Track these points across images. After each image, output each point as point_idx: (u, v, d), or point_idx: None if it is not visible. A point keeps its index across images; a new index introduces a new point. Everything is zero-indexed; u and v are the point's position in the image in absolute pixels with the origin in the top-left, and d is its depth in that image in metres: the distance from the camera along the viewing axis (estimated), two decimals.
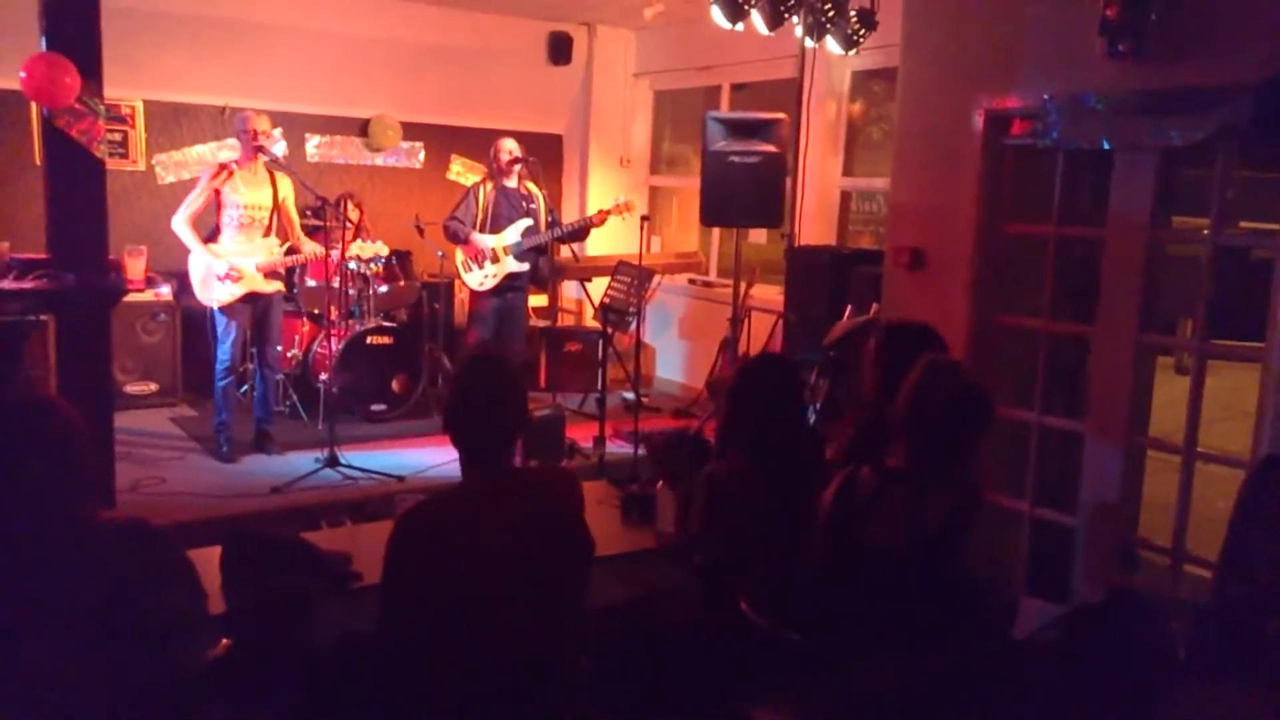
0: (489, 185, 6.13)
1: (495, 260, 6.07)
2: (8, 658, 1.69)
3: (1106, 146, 3.69)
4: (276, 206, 5.42)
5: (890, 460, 2.64)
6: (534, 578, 2.27)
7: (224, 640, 2.00)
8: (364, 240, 6.02)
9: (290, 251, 5.60)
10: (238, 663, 2.16)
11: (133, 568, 1.82)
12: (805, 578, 2.55)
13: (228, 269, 5.24)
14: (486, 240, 6.05)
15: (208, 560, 2.58)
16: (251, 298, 5.38)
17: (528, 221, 6.08)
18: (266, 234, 5.41)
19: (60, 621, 1.72)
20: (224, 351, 5.40)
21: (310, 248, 5.60)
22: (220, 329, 5.37)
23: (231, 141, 6.69)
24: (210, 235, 5.38)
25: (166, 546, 1.92)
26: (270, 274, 5.42)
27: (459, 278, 6.28)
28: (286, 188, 5.47)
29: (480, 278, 6.10)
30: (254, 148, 5.30)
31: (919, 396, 2.61)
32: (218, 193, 5.27)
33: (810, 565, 2.54)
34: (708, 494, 2.80)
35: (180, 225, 5.23)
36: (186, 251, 5.33)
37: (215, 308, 5.33)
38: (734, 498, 2.74)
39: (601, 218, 6.17)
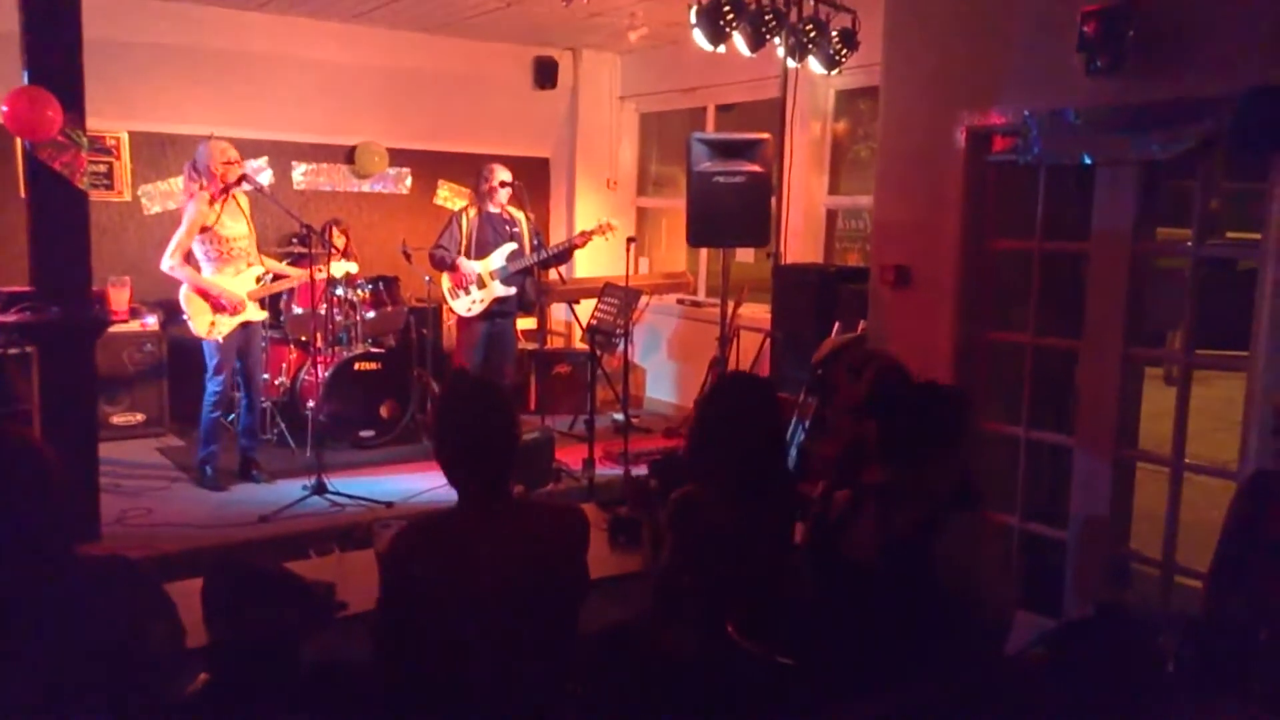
0: (472, 212, 6.15)
1: (482, 286, 6.07)
2: None
3: (1088, 161, 3.71)
4: (250, 232, 5.43)
5: (867, 476, 2.62)
6: (522, 607, 2.24)
7: (202, 675, 1.98)
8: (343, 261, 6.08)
9: (275, 277, 5.60)
10: (220, 696, 2.14)
11: (110, 603, 1.80)
12: (790, 600, 2.53)
13: (226, 301, 5.23)
14: (473, 266, 6.06)
15: (191, 592, 2.55)
16: (245, 326, 5.38)
17: (512, 245, 6.10)
18: (250, 263, 5.41)
19: (37, 658, 1.70)
20: (216, 384, 5.38)
21: (271, 265, 5.63)
22: (214, 362, 5.35)
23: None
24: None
25: (144, 582, 1.90)
26: (260, 302, 5.43)
27: (446, 305, 6.28)
28: (245, 207, 5.46)
29: (468, 303, 6.09)
30: (239, 179, 5.29)
31: (879, 406, 2.61)
32: (203, 228, 5.24)
33: (793, 587, 2.53)
34: (677, 518, 2.78)
35: (174, 266, 5.19)
36: (173, 282, 5.30)
37: (219, 341, 5.30)
38: (703, 521, 2.71)
39: (584, 239, 6.21)
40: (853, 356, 3.42)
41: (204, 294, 5.24)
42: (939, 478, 2.50)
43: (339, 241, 6.74)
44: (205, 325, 5.27)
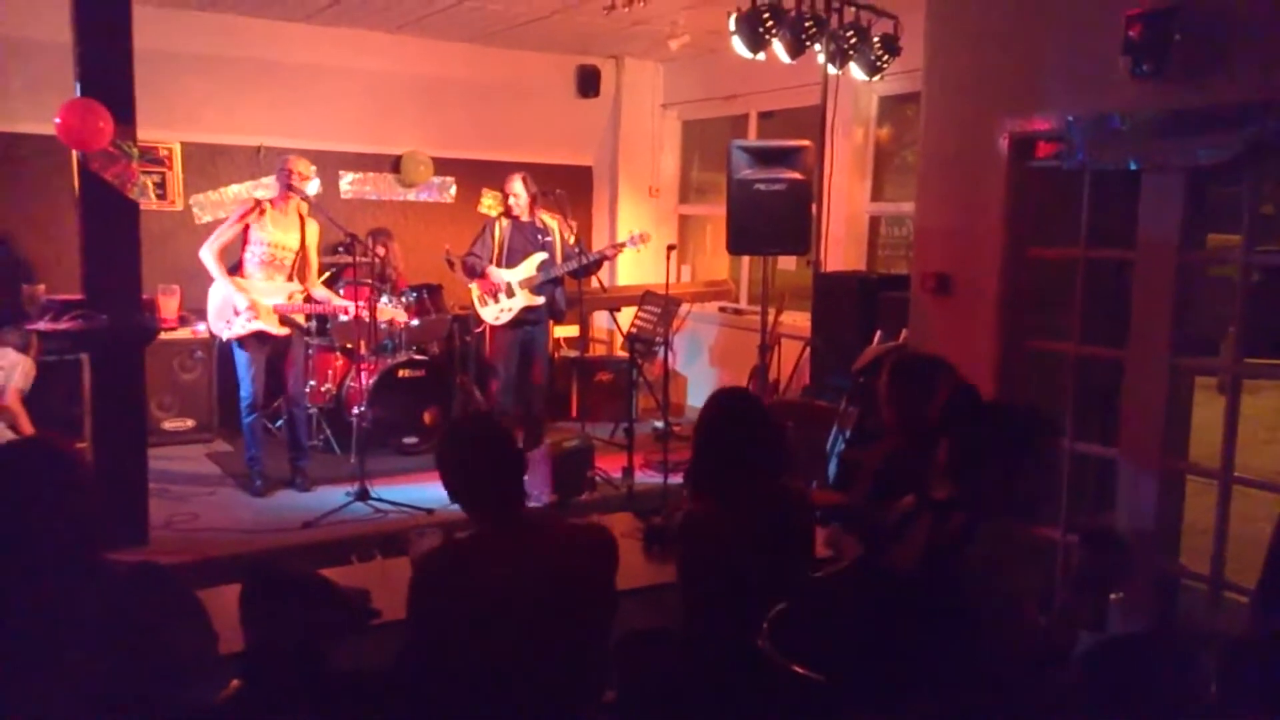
0: (505, 220, 6.17)
1: (511, 294, 6.10)
2: (15, 701, 1.70)
3: (1133, 167, 3.64)
4: (302, 250, 5.49)
5: (934, 492, 2.57)
6: (549, 627, 2.25)
7: (234, 681, 2.00)
8: (392, 277, 6.09)
9: (307, 298, 5.61)
10: (253, 702, 2.16)
11: (141, 610, 1.83)
12: (816, 612, 2.51)
13: (248, 303, 5.29)
14: (502, 275, 6.09)
15: (232, 597, 2.59)
16: (265, 337, 5.42)
17: (543, 255, 6.11)
18: (290, 278, 5.46)
19: (67, 664, 1.73)
20: (246, 388, 5.45)
21: (322, 294, 5.67)
22: (242, 366, 5.43)
23: (267, 180, 6.82)
24: (233, 270, 5.43)
25: (175, 588, 1.92)
26: (284, 318, 5.45)
27: (475, 312, 6.31)
28: (314, 234, 5.54)
29: (496, 311, 6.13)
30: (285, 185, 5.39)
31: (954, 425, 2.56)
32: (246, 228, 5.35)
33: (818, 599, 2.51)
34: (685, 538, 2.77)
35: (207, 255, 5.30)
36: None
37: (224, 339, 5.41)
38: (711, 539, 2.70)
39: (616, 251, 6.24)
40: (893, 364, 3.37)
41: (222, 294, 5.34)
42: (995, 491, 2.45)
43: (378, 252, 6.80)
44: (220, 322, 5.36)
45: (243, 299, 5.29)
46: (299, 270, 5.52)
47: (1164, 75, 3.48)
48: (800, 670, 2.31)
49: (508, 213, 6.18)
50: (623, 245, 6.20)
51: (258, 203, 5.44)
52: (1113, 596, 2.51)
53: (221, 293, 5.33)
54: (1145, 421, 3.69)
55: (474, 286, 6.17)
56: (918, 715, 2.23)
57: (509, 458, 2.40)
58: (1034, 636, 2.40)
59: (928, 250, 4.52)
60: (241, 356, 5.41)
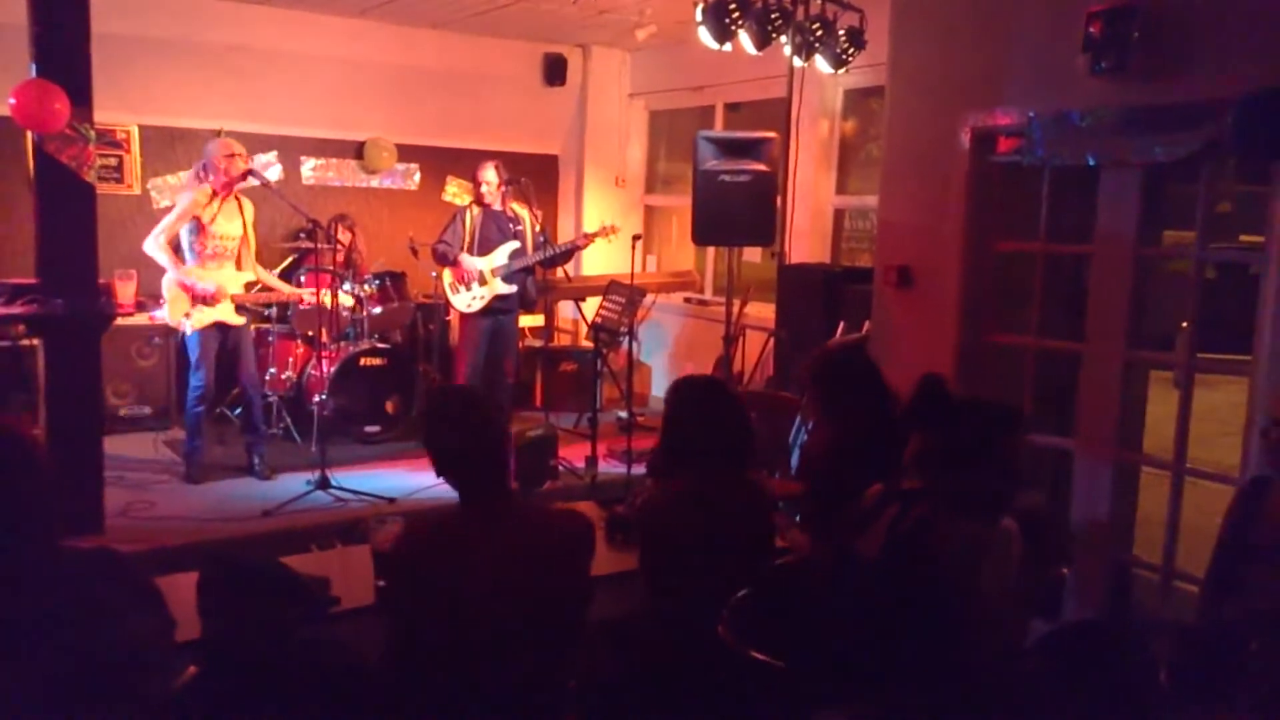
0: (476, 209, 6.16)
1: (483, 282, 6.08)
2: None
3: (1091, 163, 3.69)
4: (244, 236, 5.43)
5: (905, 483, 2.59)
6: (522, 609, 2.25)
7: (191, 668, 1.98)
8: (357, 263, 6.04)
9: (261, 288, 5.55)
10: (209, 689, 2.14)
11: (95, 596, 1.81)
12: (778, 600, 2.53)
13: (216, 288, 5.22)
14: (474, 263, 6.07)
15: (189, 586, 2.57)
16: (221, 327, 5.37)
17: (515, 244, 6.10)
18: (238, 266, 5.42)
19: (22, 651, 1.71)
20: (197, 379, 5.38)
21: (265, 276, 5.63)
22: (194, 357, 5.36)
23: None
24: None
25: (130, 574, 1.90)
26: (240, 307, 5.40)
27: (447, 300, 6.28)
28: (249, 213, 5.48)
29: (468, 299, 6.11)
30: (244, 173, 5.31)
31: (920, 419, 2.58)
32: (195, 219, 5.26)
33: (780, 587, 2.53)
34: (645, 521, 2.79)
35: (155, 249, 5.19)
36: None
37: (187, 332, 5.31)
38: (671, 523, 2.72)
39: (587, 241, 6.24)
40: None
41: (180, 283, 5.25)
42: (964, 486, 2.46)
43: (344, 238, 6.74)
44: (178, 314, 5.26)
45: (209, 284, 5.22)
46: (241, 254, 5.46)
47: (1123, 73, 3.54)
48: (760, 657, 2.33)
49: (479, 200, 6.16)
50: (593, 236, 6.20)
51: (215, 193, 5.31)
52: (1064, 571, 2.54)
53: (177, 283, 5.24)
54: (1101, 413, 3.75)
55: (446, 274, 6.14)
56: (878, 703, 2.26)
57: (496, 432, 2.38)
58: (995, 626, 2.43)
59: (890, 243, 4.56)
60: (196, 346, 5.33)
